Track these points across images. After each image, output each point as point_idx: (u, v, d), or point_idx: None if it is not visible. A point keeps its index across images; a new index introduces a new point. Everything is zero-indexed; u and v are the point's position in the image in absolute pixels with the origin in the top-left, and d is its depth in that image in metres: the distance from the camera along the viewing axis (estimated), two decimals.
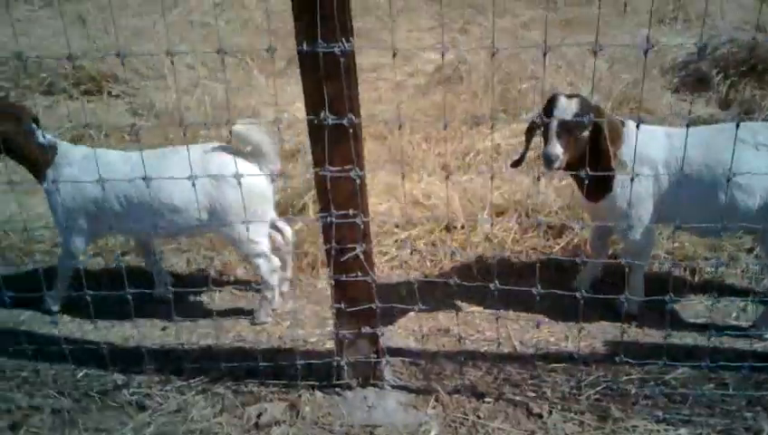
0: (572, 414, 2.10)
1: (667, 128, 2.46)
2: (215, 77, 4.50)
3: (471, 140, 3.56)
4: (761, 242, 2.51)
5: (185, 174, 1.97)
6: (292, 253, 2.82)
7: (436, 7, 5.89)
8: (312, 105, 1.74)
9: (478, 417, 2.13)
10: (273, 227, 2.74)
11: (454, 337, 2.50)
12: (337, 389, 2.27)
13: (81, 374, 2.38)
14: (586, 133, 2.21)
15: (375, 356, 2.21)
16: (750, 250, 2.91)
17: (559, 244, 3.02)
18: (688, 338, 2.47)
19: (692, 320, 2.60)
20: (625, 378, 2.24)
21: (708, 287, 2.74)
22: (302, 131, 3.98)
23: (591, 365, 2.31)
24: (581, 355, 2.35)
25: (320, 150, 1.81)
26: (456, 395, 2.22)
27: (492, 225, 3.05)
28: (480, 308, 2.74)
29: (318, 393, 2.27)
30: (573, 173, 2.29)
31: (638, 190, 2.28)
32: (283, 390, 2.28)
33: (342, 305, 2.07)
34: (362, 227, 1.91)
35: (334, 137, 1.75)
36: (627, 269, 2.38)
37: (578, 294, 1.93)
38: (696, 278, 2.83)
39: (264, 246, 2.54)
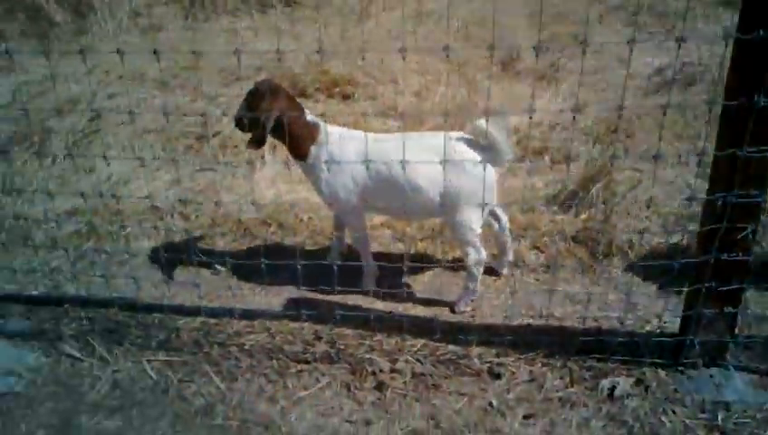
0: None
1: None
2: (439, 80, 4.68)
3: None
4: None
5: (427, 158, 2.29)
6: (509, 238, 2.91)
7: None
8: (746, 88, 1.83)
9: None
10: (493, 214, 2.85)
11: None
12: (681, 367, 2.34)
13: (426, 343, 2.55)
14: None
15: (729, 336, 2.28)
16: None
17: None
18: None
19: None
20: None
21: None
22: (546, 131, 4.12)
23: None
24: None
25: (732, 133, 1.90)
26: None
27: None
28: None
29: (661, 371, 2.35)
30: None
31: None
32: (627, 367, 2.38)
33: (712, 284, 2.15)
34: (759, 206, 1.99)
35: (762, 118, 1.84)
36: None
37: None
38: None
39: (477, 234, 2.64)
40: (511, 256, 2.97)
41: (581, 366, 2.40)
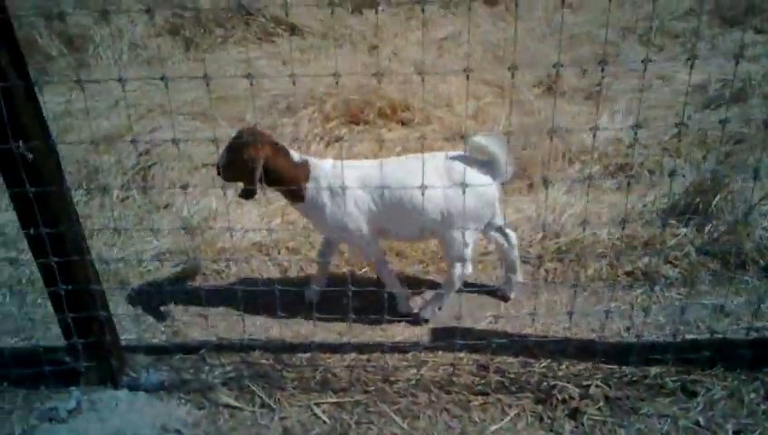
0: None
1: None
2: (491, 102, 4.68)
3: None
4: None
5: (428, 180, 2.28)
6: (518, 257, 2.91)
7: None
8: None
9: None
10: (500, 231, 2.86)
11: None
12: None
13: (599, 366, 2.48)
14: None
15: None
16: None
17: None
18: None
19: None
20: None
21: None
22: (620, 147, 4.15)
23: None
24: None
25: None
26: None
27: None
28: None
29: None
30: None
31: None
32: None
33: None
34: None
35: None
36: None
37: None
38: None
39: (470, 251, 2.67)
40: (521, 277, 2.95)
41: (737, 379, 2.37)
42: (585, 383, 2.39)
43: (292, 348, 2.66)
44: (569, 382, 2.40)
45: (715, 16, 6.29)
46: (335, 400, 2.40)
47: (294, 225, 3.51)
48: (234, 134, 2.55)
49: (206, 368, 2.58)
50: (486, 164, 2.59)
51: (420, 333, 2.78)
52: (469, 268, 2.73)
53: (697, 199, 3.20)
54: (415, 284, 3.10)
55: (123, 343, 2.58)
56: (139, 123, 4.72)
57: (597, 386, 2.37)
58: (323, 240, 2.98)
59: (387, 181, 2.54)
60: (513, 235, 2.86)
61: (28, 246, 2.20)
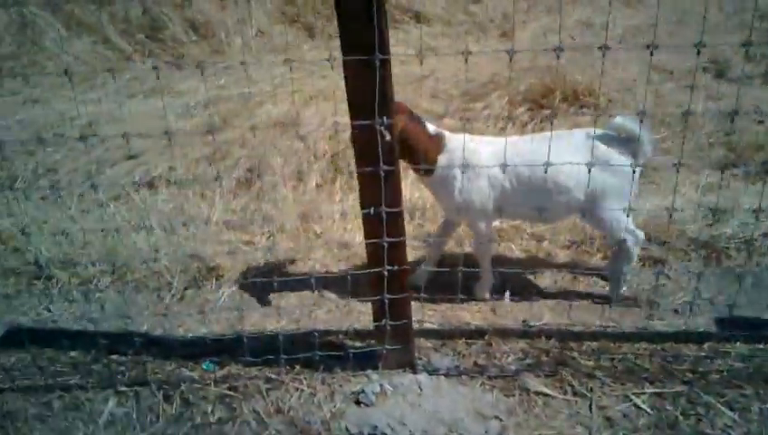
0: None
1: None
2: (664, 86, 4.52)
3: None
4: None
5: (570, 157, 2.29)
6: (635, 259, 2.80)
7: None
8: None
9: None
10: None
11: None
12: None
13: None
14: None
15: None
16: None
17: None
18: None
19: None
20: None
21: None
22: None
23: None
24: None
25: None
26: None
27: None
28: None
29: None
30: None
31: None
32: None
33: None
34: None
35: None
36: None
37: None
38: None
39: (625, 223, 2.56)
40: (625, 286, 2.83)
41: None
42: None
43: (577, 336, 2.56)
44: None
45: None
46: (654, 390, 2.30)
47: None
48: None
49: (497, 353, 2.50)
50: (627, 144, 2.50)
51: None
52: (640, 236, 2.67)
53: None
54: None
55: None
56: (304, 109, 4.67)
57: None
58: (443, 221, 2.92)
59: (526, 159, 2.44)
60: (640, 233, 2.71)
61: (363, 226, 2.13)
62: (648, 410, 2.24)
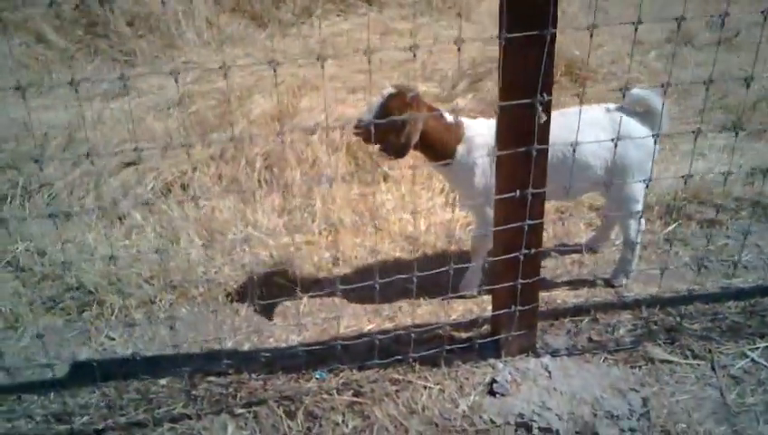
0: None
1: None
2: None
3: None
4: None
5: (591, 133, 2.31)
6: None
7: None
8: None
9: None
10: None
11: None
12: None
13: None
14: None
15: None
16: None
17: None
18: None
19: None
20: None
21: None
22: None
23: None
24: None
25: None
26: None
27: None
28: None
29: None
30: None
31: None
32: None
33: None
34: None
35: None
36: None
37: None
38: None
39: (641, 206, 2.63)
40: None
41: None
42: None
43: (671, 302, 2.62)
44: None
45: None
46: (766, 344, 2.40)
47: None
48: (385, 91, 2.40)
49: (607, 328, 2.52)
50: (645, 116, 2.50)
51: None
52: (642, 223, 2.68)
53: None
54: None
55: None
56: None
57: None
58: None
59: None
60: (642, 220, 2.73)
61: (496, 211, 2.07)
62: (766, 363, 2.33)
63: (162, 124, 4.26)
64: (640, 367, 2.35)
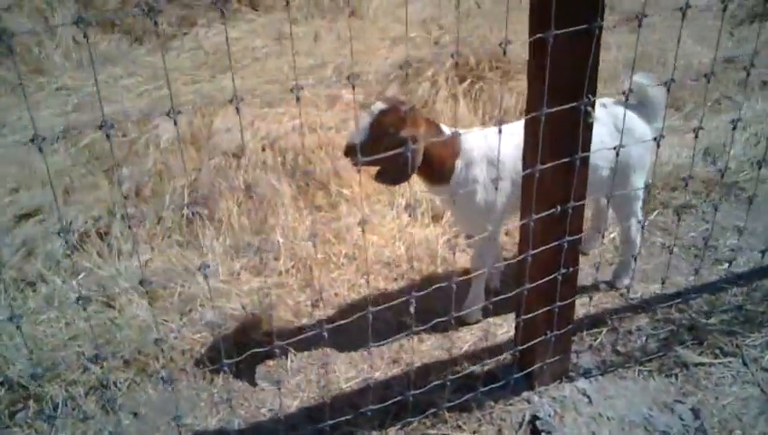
0: None
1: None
2: None
3: None
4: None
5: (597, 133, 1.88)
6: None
7: None
8: None
9: None
10: None
11: None
12: None
13: None
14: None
15: None
16: None
17: None
18: None
19: None
20: None
21: None
22: None
23: None
24: None
25: None
26: None
27: None
28: None
29: None
30: None
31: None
32: None
33: None
34: None
35: None
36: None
37: None
38: None
39: (641, 203, 2.52)
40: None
41: None
42: None
43: (678, 297, 2.50)
44: None
45: None
46: None
47: None
48: (375, 107, 2.07)
49: (626, 338, 2.35)
50: (640, 109, 2.34)
51: None
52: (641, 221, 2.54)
53: None
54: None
55: None
56: None
57: None
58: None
59: None
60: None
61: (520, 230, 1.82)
62: None
63: (50, 162, 3.64)
64: (676, 375, 2.19)
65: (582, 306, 2.49)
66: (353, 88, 1.36)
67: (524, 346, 2.05)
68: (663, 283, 2.31)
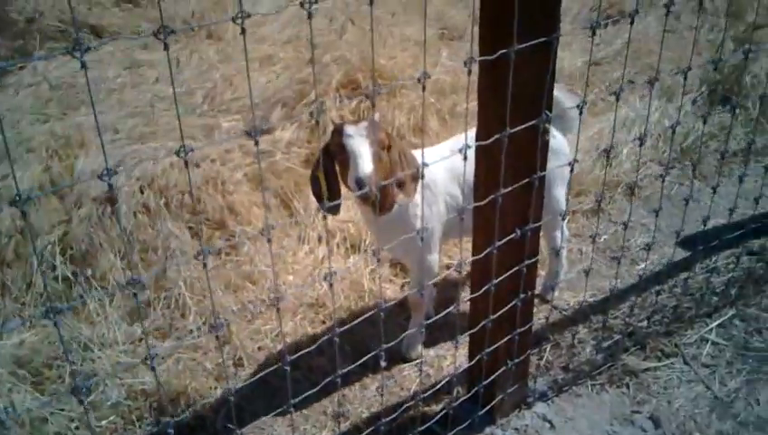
0: None
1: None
2: None
3: None
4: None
5: None
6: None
7: None
8: None
9: None
10: None
11: None
12: None
13: None
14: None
15: None
16: None
17: None
18: None
19: None
20: None
21: None
22: None
23: None
24: None
25: None
26: None
27: None
28: None
29: None
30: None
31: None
32: None
33: None
34: None
35: None
36: None
37: None
38: None
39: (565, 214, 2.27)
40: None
41: None
42: None
43: (603, 303, 2.50)
44: None
45: None
46: (717, 322, 2.39)
47: None
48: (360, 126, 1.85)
49: (570, 353, 2.30)
50: (558, 119, 2.16)
51: None
52: (566, 231, 2.56)
53: None
54: None
55: None
56: None
57: None
58: None
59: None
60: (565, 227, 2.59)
61: (474, 260, 1.69)
62: (724, 341, 2.32)
63: None
64: (627, 385, 2.17)
65: None
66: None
67: (487, 380, 1.91)
68: (586, 290, 2.26)
